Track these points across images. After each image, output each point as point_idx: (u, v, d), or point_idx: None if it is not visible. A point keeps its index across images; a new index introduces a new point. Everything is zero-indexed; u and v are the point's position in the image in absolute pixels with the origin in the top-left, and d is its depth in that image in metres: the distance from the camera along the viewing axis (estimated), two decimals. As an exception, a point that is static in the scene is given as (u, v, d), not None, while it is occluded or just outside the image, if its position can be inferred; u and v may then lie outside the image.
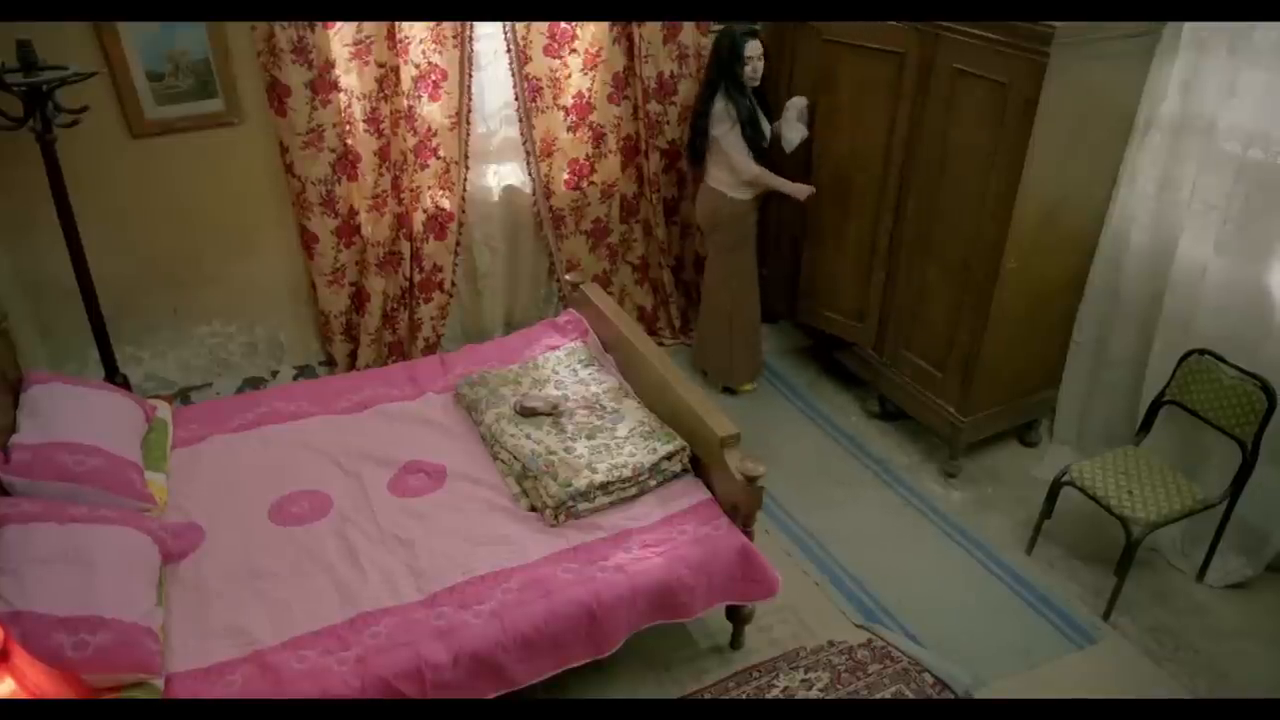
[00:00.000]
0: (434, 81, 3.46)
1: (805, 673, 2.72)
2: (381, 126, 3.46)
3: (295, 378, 3.84)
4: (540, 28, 3.56)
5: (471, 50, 3.49)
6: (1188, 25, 2.89)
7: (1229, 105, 2.85)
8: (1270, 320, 2.88)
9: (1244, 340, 2.92)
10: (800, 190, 3.61)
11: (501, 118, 3.81)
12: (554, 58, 3.64)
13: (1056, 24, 2.69)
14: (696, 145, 3.65)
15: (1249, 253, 2.89)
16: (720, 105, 3.48)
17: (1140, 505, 2.89)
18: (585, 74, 3.71)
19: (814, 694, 2.65)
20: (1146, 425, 3.15)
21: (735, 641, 2.80)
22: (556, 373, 3.12)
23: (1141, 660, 2.81)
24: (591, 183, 3.94)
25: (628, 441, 2.76)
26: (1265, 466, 2.90)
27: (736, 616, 2.76)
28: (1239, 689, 2.72)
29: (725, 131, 3.50)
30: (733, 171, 3.57)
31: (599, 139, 3.87)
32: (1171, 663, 2.79)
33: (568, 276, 3.65)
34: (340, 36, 3.27)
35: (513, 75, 3.63)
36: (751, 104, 3.50)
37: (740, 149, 3.53)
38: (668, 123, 3.94)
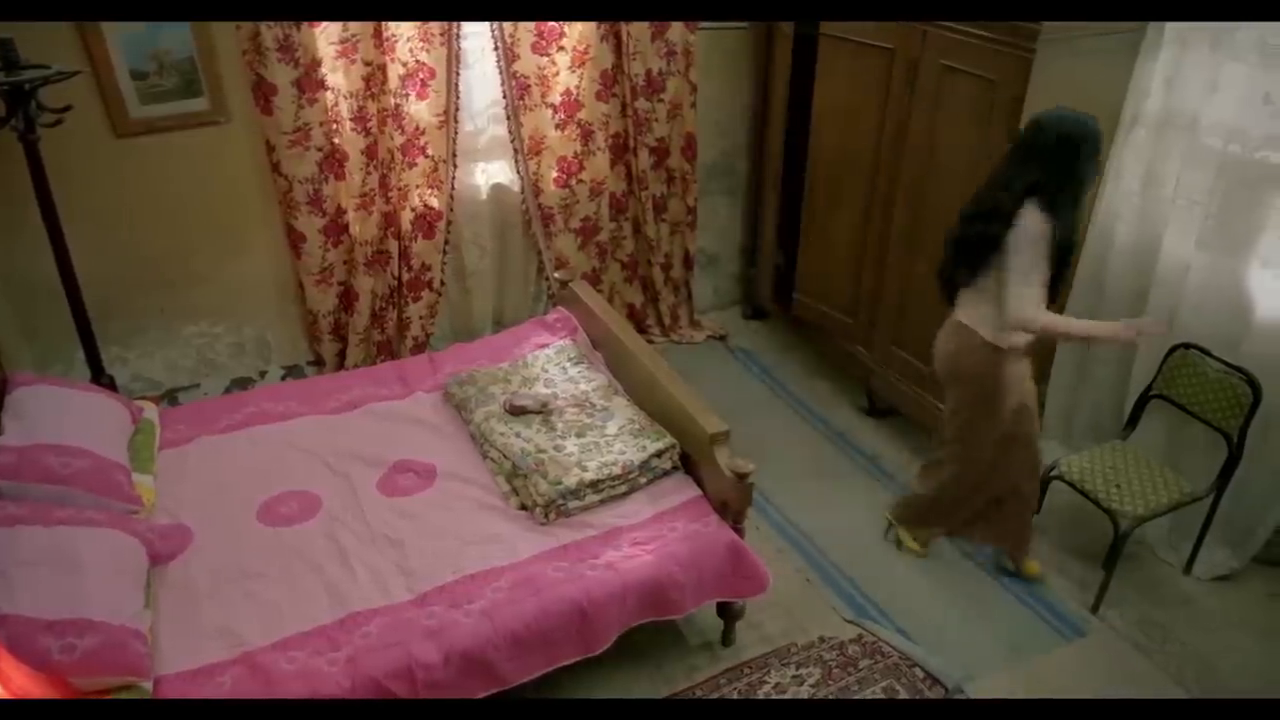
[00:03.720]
0: (421, 80, 3.45)
1: (796, 669, 2.73)
2: (369, 125, 3.45)
3: (283, 378, 3.82)
4: (528, 25, 3.55)
5: (459, 48, 3.47)
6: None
7: (1211, 101, 2.87)
8: (1250, 316, 2.90)
9: (1226, 336, 2.94)
10: (1125, 331, 2.60)
11: (489, 116, 3.80)
12: (542, 55, 3.63)
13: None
14: (969, 261, 2.62)
15: (1230, 249, 2.90)
16: (1036, 216, 2.43)
17: (1128, 499, 2.90)
18: (573, 71, 3.71)
19: (805, 690, 2.66)
20: (1133, 420, 3.17)
21: (726, 638, 2.81)
22: (546, 371, 3.11)
23: (1130, 653, 2.82)
24: (580, 180, 3.94)
25: (617, 439, 2.76)
26: (1251, 459, 2.92)
27: (727, 613, 2.76)
28: (1227, 680, 2.74)
29: (1028, 255, 2.45)
30: (1002, 309, 2.55)
31: (587, 137, 3.86)
32: (1160, 655, 2.81)
33: (557, 274, 3.64)
34: (326, 35, 3.25)
35: (500, 73, 3.62)
36: (1073, 223, 2.53)
37: (1035, 285, 2.48)
38: (656, 120, 3.93)
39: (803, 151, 3.81)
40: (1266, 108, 2.72)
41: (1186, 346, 2.98)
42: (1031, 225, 2.44)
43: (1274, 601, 3.02)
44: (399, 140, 3.52)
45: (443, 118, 3.54)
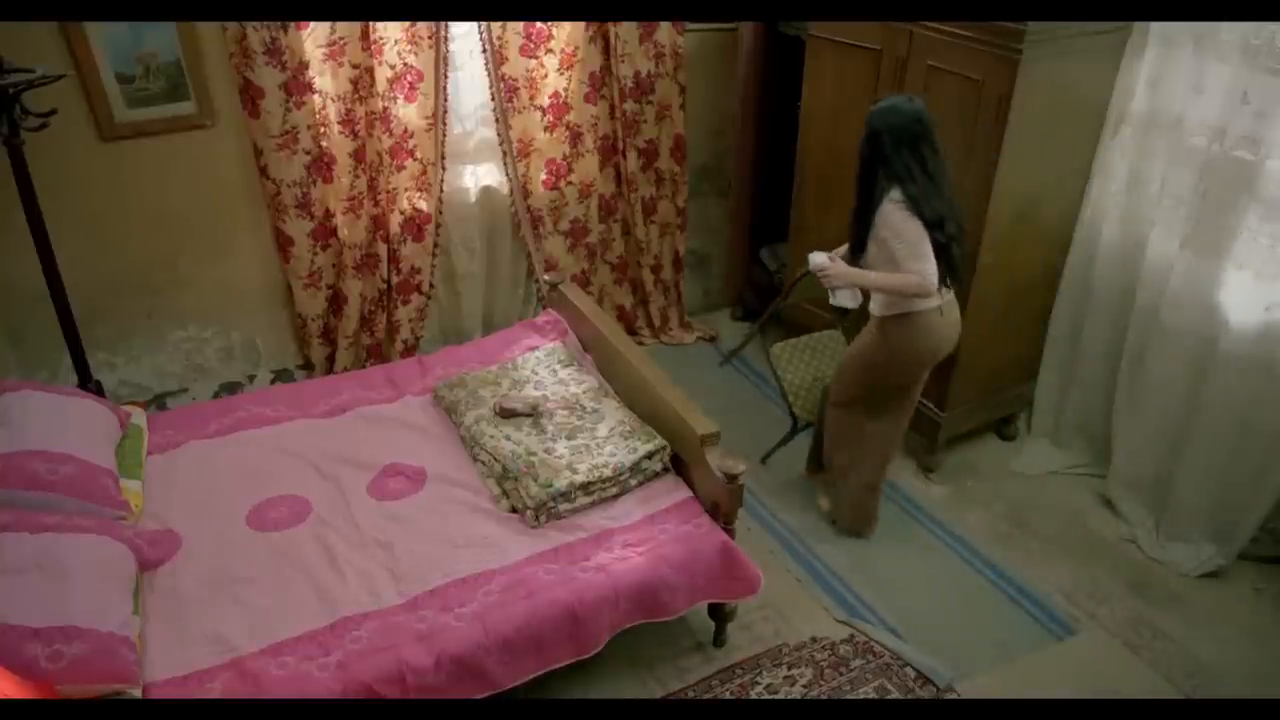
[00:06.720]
0: (409, 83, 3.44)
1: (788, 669, 2.73)
2: (357, 128, 3.44)
3: (272, 382, 3.81)
4: (516, 27, 3.55)
5: (447, 50, 3.47)
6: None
7: (1196, 101, 2.88)
8: (1225, 315, 2.92)
9: (1202, 334, 2.96)
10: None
11: (478, 118, 3.79)
12: (530, 57, 3.62)
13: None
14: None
15: (1211, 248, 2.92)
16: (896, 202, 2.66)
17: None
18: (561, 74, 3.71)
19: (797, 690, 2.66)
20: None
21: (718, 639, 2.81)
22: (536, 373, 3.11)
23: (1120, 650, 2.83)
24: (569, 182, 3.93)
25: (608, 441, 2.75)
26: (1233, 452, 2.95)
27: (719, 614, 2.76)
28: (1215, 676, 2.75)
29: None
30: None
31: (576, 139, 3.86)
32: (1149, 652, 2.82)
33: (546, 277, 3.64)
34: (314, 37, 3.24)
35: (489, 75, 3.62)
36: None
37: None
38: (645, 122, 3.93)
39: (792, 152, 3.81)
40: (1245, 107, 2.74)
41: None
42: (893, 208, 2.68)
43: (1260, 596, 3.04)
44: (387, 143, 3.51)
45: (431, 120, 3.53)
